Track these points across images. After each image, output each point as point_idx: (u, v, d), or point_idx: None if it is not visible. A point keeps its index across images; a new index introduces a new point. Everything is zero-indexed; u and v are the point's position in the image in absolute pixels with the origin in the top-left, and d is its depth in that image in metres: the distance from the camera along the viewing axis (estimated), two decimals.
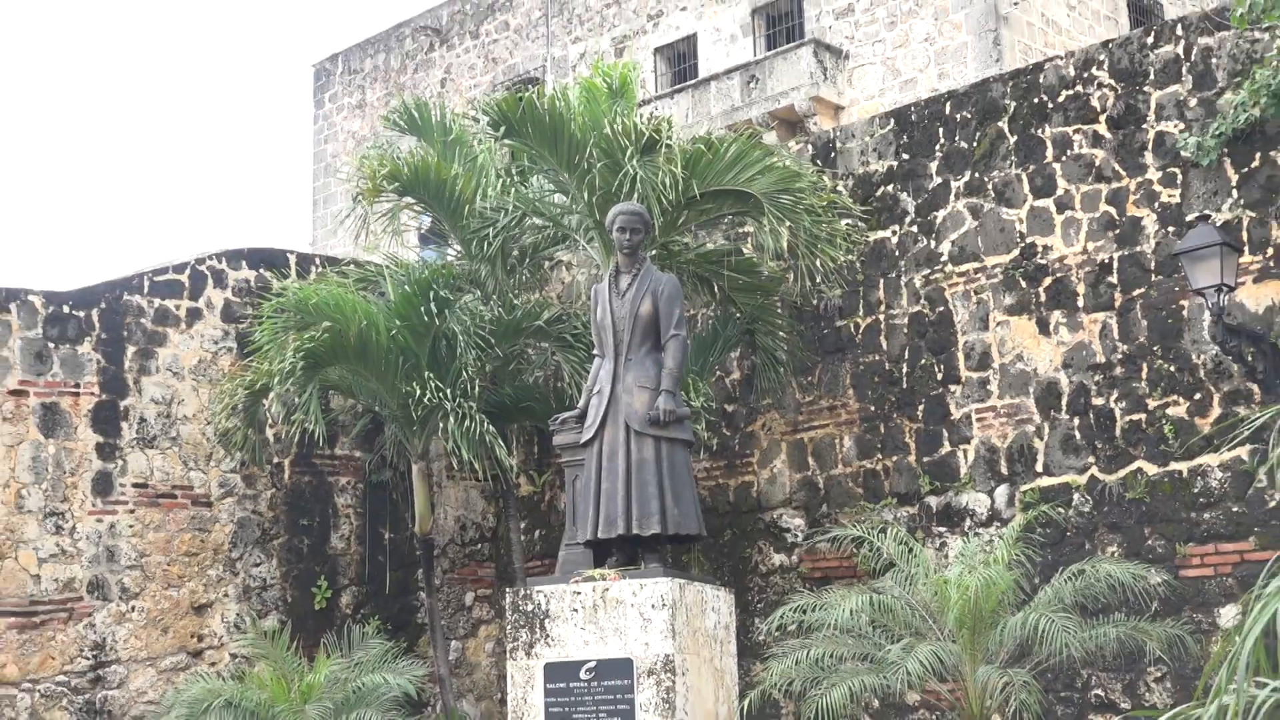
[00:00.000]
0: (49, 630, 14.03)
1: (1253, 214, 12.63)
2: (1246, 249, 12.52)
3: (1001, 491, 13.65)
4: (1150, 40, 13.63)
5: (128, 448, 14.83)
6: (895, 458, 14.32)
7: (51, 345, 14.54)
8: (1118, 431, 13.11)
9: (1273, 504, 12.16)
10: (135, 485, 14.80)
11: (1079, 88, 13.74)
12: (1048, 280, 13.67)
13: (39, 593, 14.03)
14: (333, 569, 16.07)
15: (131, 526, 14.70)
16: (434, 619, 15.74)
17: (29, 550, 14.05)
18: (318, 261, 16.84)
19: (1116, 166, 13.42)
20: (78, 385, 14.62)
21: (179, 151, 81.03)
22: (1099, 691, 12.79)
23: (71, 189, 78.10)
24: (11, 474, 14.07)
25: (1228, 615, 12.15)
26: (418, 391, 13.97)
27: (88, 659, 14.21)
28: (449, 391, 13.87)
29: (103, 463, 14.65)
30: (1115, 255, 13.33)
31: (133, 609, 14.57)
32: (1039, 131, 13.89)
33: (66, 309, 14.73)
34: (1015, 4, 25.25)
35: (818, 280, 14.03)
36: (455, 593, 16.64)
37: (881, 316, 14.60)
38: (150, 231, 75.39)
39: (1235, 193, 12.76)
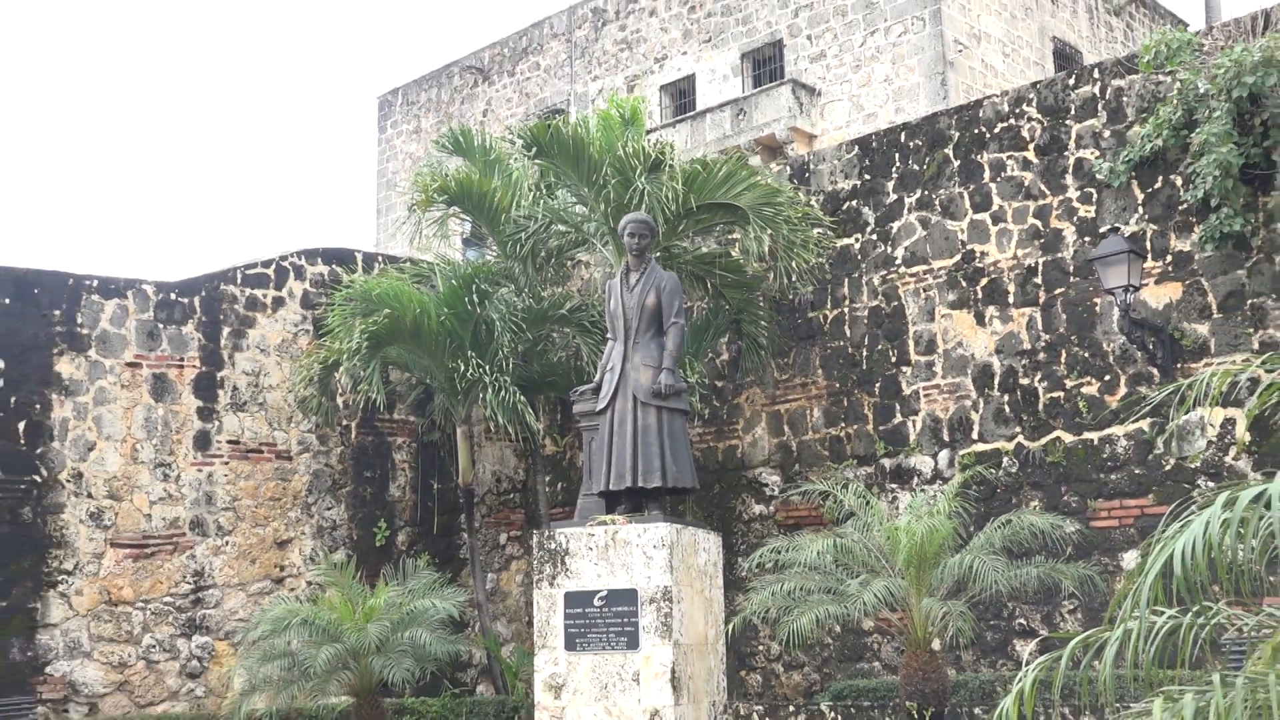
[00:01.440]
0: (158, 560, 14.17)
1: (1155, 227, 12.66)
2: (1149, 256, 12.55)
3: (943, 455, 13.72)
4: (1071, 82, 13.64)
5: (223, 411, 14.95)
6: (856, 426, 14.40)
7: (161, 326, 14.65)
8: (1040, 406, 13.17)
9: (1168, 467, 12.23)
10: (229, 442, 14.92)
11: (1012, 121, 13.76)
12: (984, 281, 13.71)
13: (150, 529, 14.17)
14: (390, 513, 16.18)
15: (226, 476, 14.82)
16: (474, 555, 15.86)
17: (142, 494, 14.18)
18: (380, 259, 16.91)
19: (1042, 187, 13.45)
20: (182, 359, 14.73)
21: (269, 165, 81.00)
22: (1022, 620, 12.88)
23: (180, 193, 78.06)
24: (128, 431, 14.20)
25: (1129, 559, 12.23)
26: (462, 367, 14.06)
27: (189, 584, 14.35)
28: (488, 367, 13.95)
29: (202, 423, 14.77)
30: (1040, 260, 13.37)
31: (226, 543, 14.70)
32: (978, 157, 13.92)
33: (173, 296, 14.84)
34: (960, 51, 25.22)
35: (793, 279, 14.10)
36: (491, 534, 16.74)
37: (846, 309, 14.65)
38: (243, 231, 75.37)
39: (1141, 209, 12.79)
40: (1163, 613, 3.38)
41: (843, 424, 14.48)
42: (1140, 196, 12.79)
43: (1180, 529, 3.21)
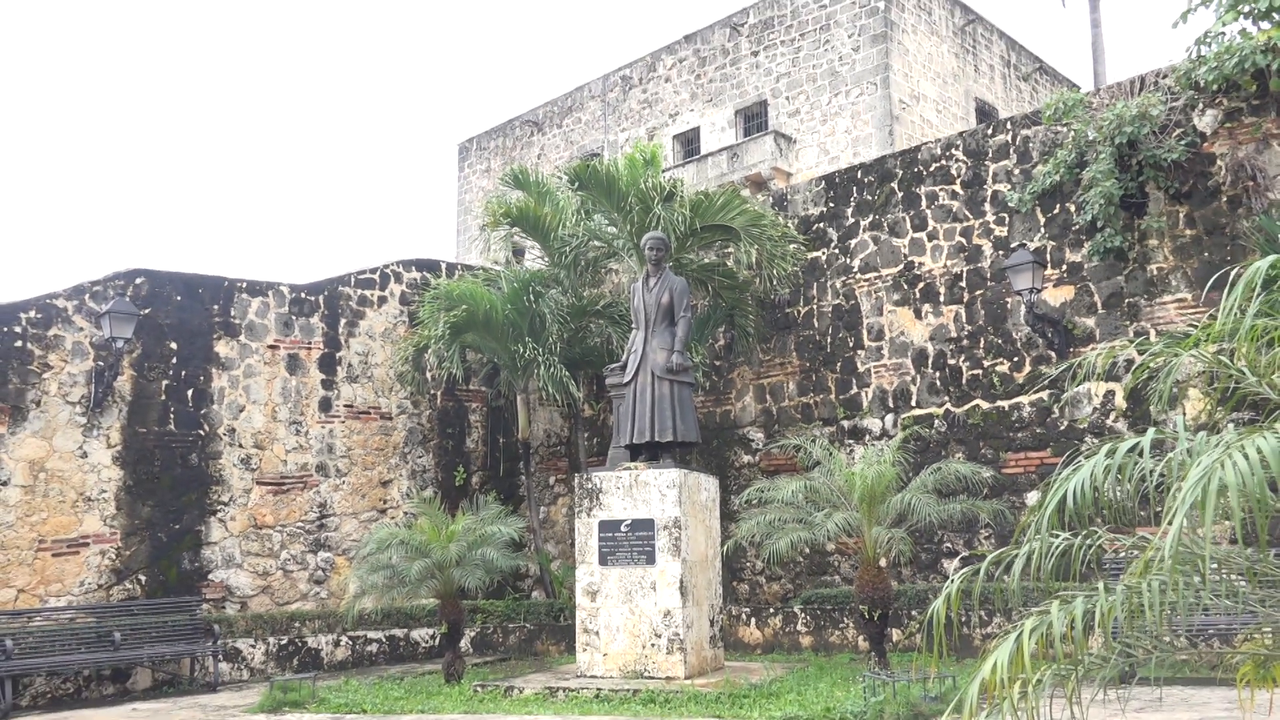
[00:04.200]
0: (291, 495, 14.24)
1: (1053, 243, 12.56)
2: (1049, 265, 12.46)
3: (889, 418, 13.67)
4: (989, 131, 13.52)
5: (340, 383, 14.99)
6: (821, 396, 14.36)
7: (293, 317, 14.69)
8: (964, 381, 13.11)
9: (1063, 427, 12.16)
10: (345, 406, 14.96)
11: (943, 161, 13.66)
12: (921, 284, 13.64)
13: (285, 472, 14.23)
14: (467, 460, 16.21)
15: (342, 431, 14.87)
16: (530, 492, 15.90)
17: (280, 445, 14.25)
18: (459, 268, 16.90)
19: (966, 212, 13.35)
20: (309, 343, 14.77)
21: (378, 194, 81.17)
22: (948, 544, 12.85)
23: (311, 213, 78.33)
24: (269, 397, 14.27)
25: (1032, 497, 12.18)
26: (521, 350, 14.08)
27: (315, 513, 14.42)
28: (541, 350, 13.97)
29: (325, 391, 14.82)
30: (964, 269, 13.29)
31: (343, 483, 14.76)
32: (917, 189, 13.83)
33: (303, 295, 14.87)
34: (903, 108, 25.02)
35: (774, 283, 14.07)
36: (543, 476, 16.77)
37: (814, 306, 14.59)
38: (357, 244, 75.60)
39: (1043, 230, 12.68)
40: (1058, 536, 3.36)
41: (811, 394, 14.44)
42: (1042, 220, 12.70)
43: (1072, 472, 3.18)
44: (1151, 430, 3.09)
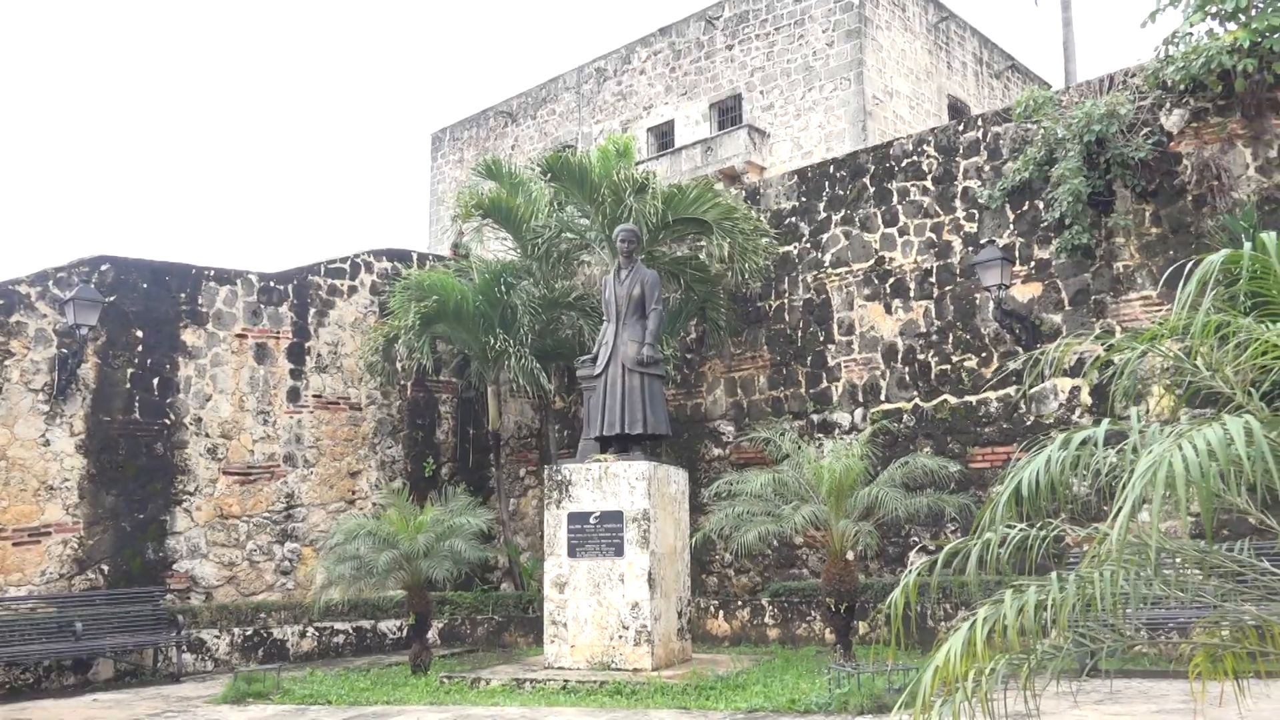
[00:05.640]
0: (259, 485, 14.13)
1: (1022, 240, 12.65)
2: (1018, 262, 12.55)
3: (858, 412, 13.73)
4: (961, 128, 13.59)
5: (309, 372, 14.87)
6: (792, 389, 14.39)
7: (262, 306, 14.55)
8: (932, 376, 13.18)
9: (1029, 422, 12.25)
10: (314, 396, 14.84)
11: (915, 157, 13.71)
12: (891, 279, 13.69)
13: (253, 461, 14.11)
14: (437, 452, 16.14)
15: (311, 422, 14.76)
16: (500, 484, 15.86)
17: (247, 434, 14.12)
18: (431, 257, 16.81)
19: (937, 208, 13.42)
20: (278, 332, 14.64)
21: (349, 184, 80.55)
22: (915, 538, 12.91)
23: (280, 201, 77.63)
24: (236, 387, 14.14)
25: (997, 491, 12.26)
26: (492, 341, 14.02)
27: (283, 503, 14.31)
28: (512, 342, 13.91)
29: (293, 381, 14.69)
30: (935, 264, 13.36)
31: (311, 473, 14.65)
32: (889, 185, 13.87)
33: (272, 284, 14.72)
34: (877, 104, 25.12)
35: (746, 276, 14.07)
36: (513, 468, 16.72)
37: (785, 300, 14.61)
38: (328, 233, 75.03)
39: (1012, 226, 12.77)
40: (1014, 527, 3.38)
41: (782, 388, 14.47)
42: (1012, 216, 12.78)
43: (1027, 462, 3.20)
44: (1105, 422, 3.11)
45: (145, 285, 13.57)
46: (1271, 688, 7.66)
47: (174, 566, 13.24)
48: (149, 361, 13.41)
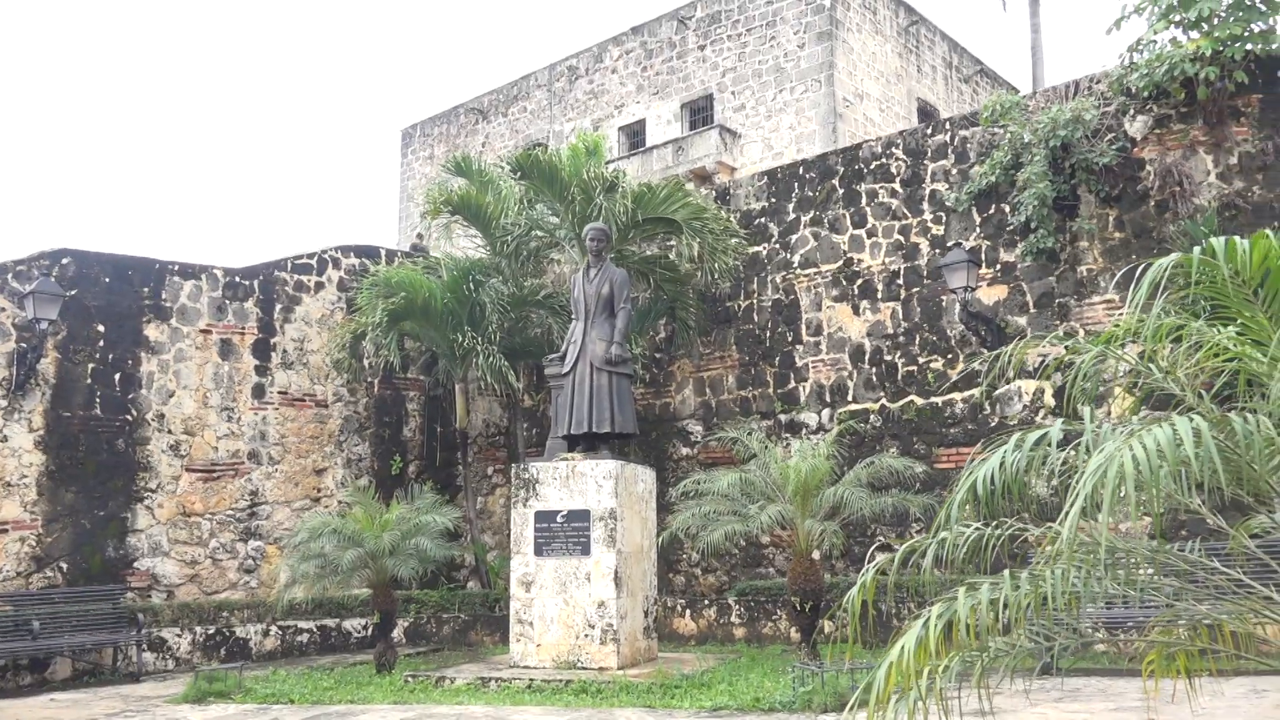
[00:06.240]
0: (222, 482, 13.99)
1: (988, 242, 12.77)
2: (984, 264, 12.67)
3: (826, 412, 13.81)
4: (929, 131, 13.70)
5: (275, 369, 14.74)
6: (760, 389, 14.45)
7: (227, 301, 14.41)
8: (899, 377, 13.28)
9: (994, 424, 12.36)
10: (280, 392, 14.71)
11: (884, 160, 13.81)
12: (859, 281, 13.78)
13: (216, 458, 13.96)
14: (404, 449, 16.05)
15: (276, 419, 14.62)
16: (467, 483, 15.80)
17: (211, 431, 13.98)
18: (399, 254, 16.73)
19: (905, 210, 13.52)
20: (243, 328, 14.50)
21: (318, 178, 79.94)
22: (881, 537, 12.99)
23: (248, 196, 76.89)
24: (200, 383, 13.99)
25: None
26: (460, 338, 13.96)
27: (247, 500, 14.17)
28: (480, 339, 13.86)
29: (258, 377, 14.56)
30: (902, 266, 13.46)
31: (276, 470, 14.53)
32: (857, 187, 13.96)
33: (237, 279, 14.58)
34: (847, 106, 25.26)
35: (715, 276, 14.11)
36: (481, 466, 16.66)
37: (754, 300, 14.66)
38: (296, 228, 74.41)
39: (978, 229, 12.88)
40: (970, 526, 3.41)
41: (750, 388, 14.53)
42: (978, 219, 12.89)
43: (982, 462, 3.24)
44: (1059, 422, 3.16)
45: (107, 279, 13.39)
46: (1225, 685, 7.79)
47: (135, 564, 13.07)
48: (111, 356, 13.23)
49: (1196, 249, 3.07)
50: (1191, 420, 2.54)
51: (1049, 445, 3.14)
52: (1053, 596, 2.92)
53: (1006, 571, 3.16)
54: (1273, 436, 2.62)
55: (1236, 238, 3.01)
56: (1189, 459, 2.48)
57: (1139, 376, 3.35)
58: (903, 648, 3.02)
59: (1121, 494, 2.52)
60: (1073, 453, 3.35)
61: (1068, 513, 2.58)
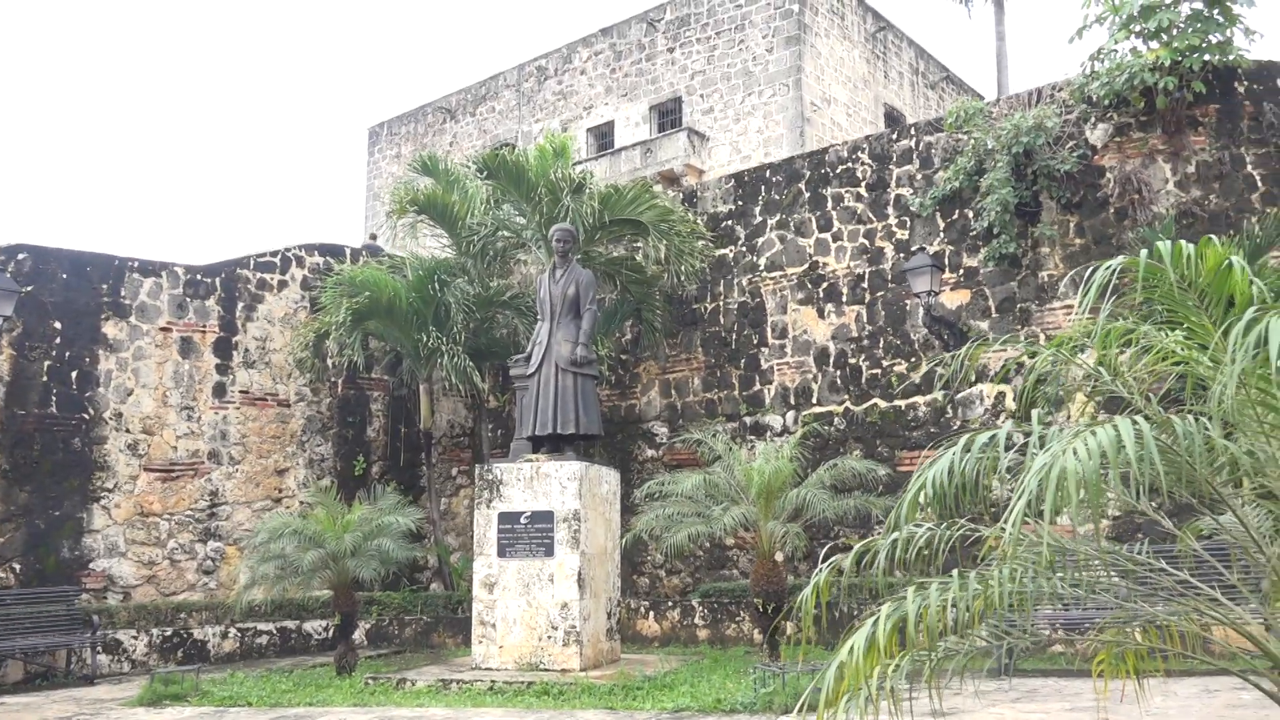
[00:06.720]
0: (181, 482, 13.81)
1: (952, 247, 12.89)
2: (947, 269, 12.78)
3: (790, 415, 13.86)
4: (895, 136, 13.81)
5: (236, 367, 14.59)
6: (725, 392, 14.49)
7: (188, 299, 14.24)
8: (863, 380, 13.36)
9: (955, 427, 12.47)
10: (241, 392, 14.56)
11: (850, 164, 13.90)
12: (824, 284, 13.85)
13: (176, 458, 13.79)
14: (367, 450, 15.93)
15: (237, 418, 14.47)
16: (431, 484, 15.71)
17: (170, 430, 13.81)
18: (364, 253, 16.61)
19: (870, 214, 13.61)
20: (204, 326, 14.34)
21: (284, 176, 79.19)
22: (844, 539, 13.06)
23: (212, 193, 76.02)
24: (160, 381, 13.81)
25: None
26: (425, 338, 13.89)
27: (206, 501, 14.01)
28: (445, 339, 13.80)
29: (219, 376, 14.40)
30: (867, 270, 13.54)
31: (236, 470, 14.37)
32: (824, 191, 14.04)
33: (199, 276, 14.42)
34: (815, 110, 25.41)
35: (682, 278, 14.14)
36: (445, 467, 16.58)
37: (721, 303, 14.71)
38: (261, 225, 73.66)
39: (942, 234, 13.00)
40: (921, 525, 3.44)
41: (716, 390, 14.57)
42: (942, 224, 13.01)
43: (932, 463, 3.27)
44: (1008, 424, 3.19)
45: (65, 275, 13.19)
46: (1178, 686, 7.92)
47: (90, 565, 12.88)
48: (68, 354, 13.04)
49: (1143, 253, 3.13)
50: (1135, 422, 2.59)
51: (999, 447, 3.18)
52: (999, 597, 2.96)
53: (955, 571, 3.19)
54: (1212, 438, 2.66)
55: (1183, 242, 3.07)
56: (1131, 460, 2.52)
57: (1091, 380, 3.40)
58: (852, 647, 3.05)
59: (1070, 495, 2.55)
60: (1022, 455, 3.39)
61: (1011, 513, 2.61)
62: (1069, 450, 2.54)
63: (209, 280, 14.47)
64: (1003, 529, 2.91)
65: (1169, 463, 2.71)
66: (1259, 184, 11.28)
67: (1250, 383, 2.68)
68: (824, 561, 3.51)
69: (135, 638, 12.35)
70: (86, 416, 13.08)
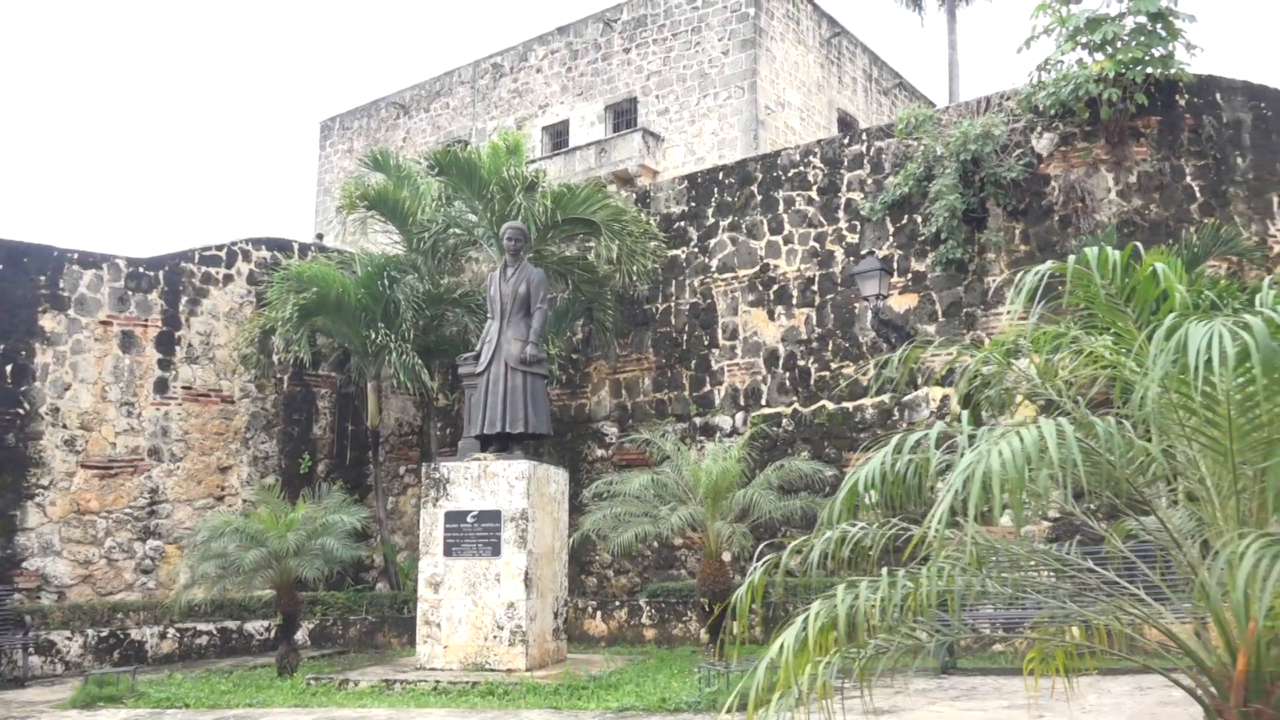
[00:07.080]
0: (120, 479, 13.55)
1: (901, 252, 13.04)
2: (896, 273, 12.93)
3: (740, 416, 13.94)
4: (846, 141, 13.94)
5: (179, 363, 14.35)
6: (676, 392, 14.53)
7: (130, 292, 13.98)
8: (812, 382, 13.48)
9: (902, 429, 12.59)
10: (183, 388, 14.33)
11: (801, 168, 14.01)
12: (775, 286, 13.95)
13: (115, 455, 13.53)
14: (313, 448, 15.74)
15: (179, 414, 14.23)
16: (378, 482, 15.55)
17: (109, 426, 13.54)
18: (313, 248, 16.41)
19: (821, 218, 13.73)
20: (146, 320, 14.08)
21: (231, 168, 77.97)
22: (790, 540, 13.14)
23: (155, 184, 74.61)
24: (99, 376, 13.54)
25: (871, 496, 12.59)
26: (373, 335, 13.77)
27: (146, 499, 13.75)
28: (394, 337, 13.69)
29: (161, 372, 14.15)
30: (817, 273, 13.66)
31: (178, 468, 14.13)
32: (775, 194, 14.14)
33: (141, 269, 14.16)
34: (769, 114, 25.57)
35: (634, 278, 14.16)
36: (392, 466, 16.44)
37: (672, 303, 14.75)
38: (206, 218, 72.43)
39: (891, 239, 13.15)
40: (855, 525, 3.48)
41: (666, 390, 14.60)
42: (891, 229, 13.16)
43: (863, 464, 3.31)
44: (938, 425, 3.25)
45: (1, 266, 12.88)
46: (1112, 684, 8.09)
47: (23, 564, 12.59)
48: (2, 347, 12.75)
49: (1071, 258, 3.20)
50: (1058, 423, 2.65)
51: (929, 449, 3.23)
52: (927, 595, 3.01)
53: (884, 570, 3.24)
54: (1133, 439, 2.73)
55: (1110, 249, 3.14)
56: (1053, 460, 2.58)
57: (1023, 382, 3.47)
58: (783, 645, 3.07)
59: (995, 495, 2.60)
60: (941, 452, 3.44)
61: (936, 511, 2.66)
62: (993, 451, 2.60)
63: (152, 273, 14.22)
64: (928, 529, 2.96)
65: (1093, 464, 2.77)
66: (1197, 195, 11.56)
67: (1172, 386, 2.75)
68: (758, 560, 3.53)
69: (70, 638, 12.10)
70: (21, 411, 12.79)
